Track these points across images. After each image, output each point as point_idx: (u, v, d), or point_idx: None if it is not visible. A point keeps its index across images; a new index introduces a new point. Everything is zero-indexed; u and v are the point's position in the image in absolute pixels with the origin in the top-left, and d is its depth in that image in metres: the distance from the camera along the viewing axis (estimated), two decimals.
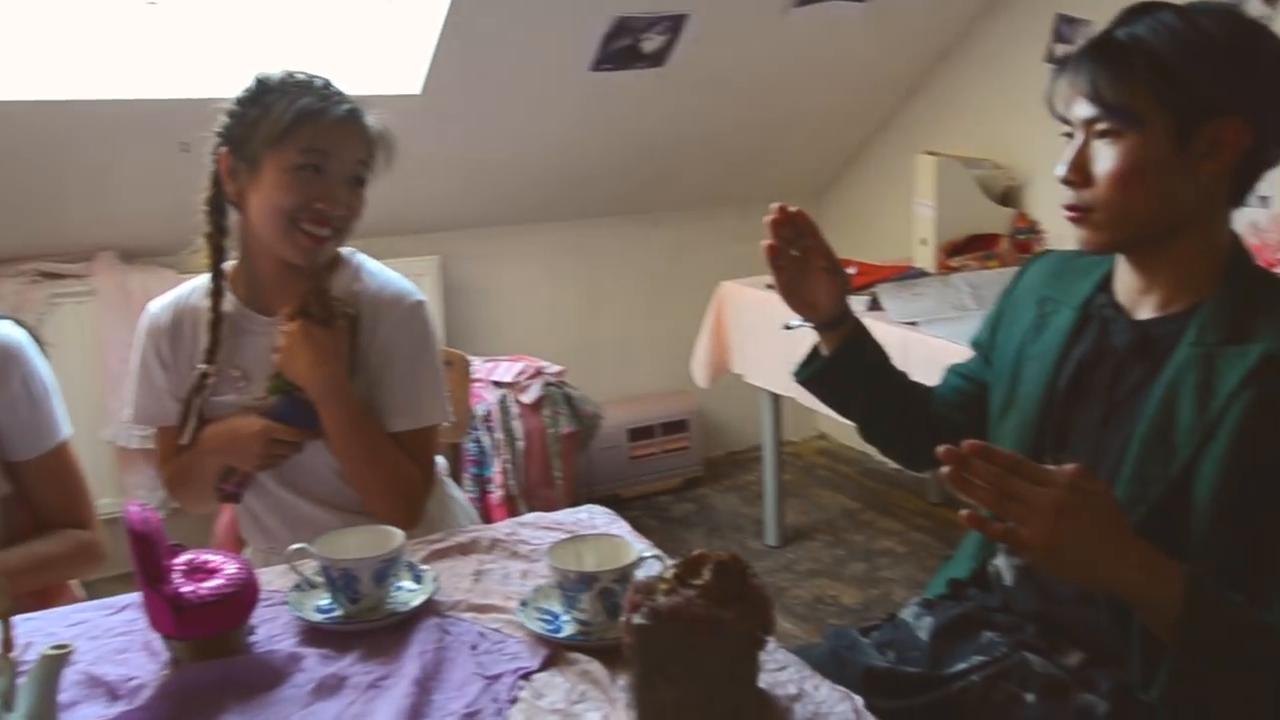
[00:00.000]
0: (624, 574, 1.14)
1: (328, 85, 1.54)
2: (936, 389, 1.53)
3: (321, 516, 1.57)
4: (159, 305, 1.63)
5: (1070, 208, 1.19)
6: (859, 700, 1.01)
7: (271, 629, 1.20)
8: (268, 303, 1.58)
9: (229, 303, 1.59)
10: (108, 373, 2.94)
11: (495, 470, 3.02)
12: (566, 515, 1.50)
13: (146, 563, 1.09)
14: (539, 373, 3.16)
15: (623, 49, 3.03)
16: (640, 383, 3.86)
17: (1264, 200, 2.57)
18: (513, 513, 2.95)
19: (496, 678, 1.08)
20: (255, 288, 1.59)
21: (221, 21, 2.80)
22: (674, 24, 3.00)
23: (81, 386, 2.80)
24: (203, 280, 1.60)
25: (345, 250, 1.63)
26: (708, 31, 3.06)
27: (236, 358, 1.58)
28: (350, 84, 1.60)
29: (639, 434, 3.69)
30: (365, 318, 1.56)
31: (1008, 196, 3.23)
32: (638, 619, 0.96)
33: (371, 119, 1.56)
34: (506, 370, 3.11)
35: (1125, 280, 1.23)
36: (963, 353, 1.58)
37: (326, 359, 1.48)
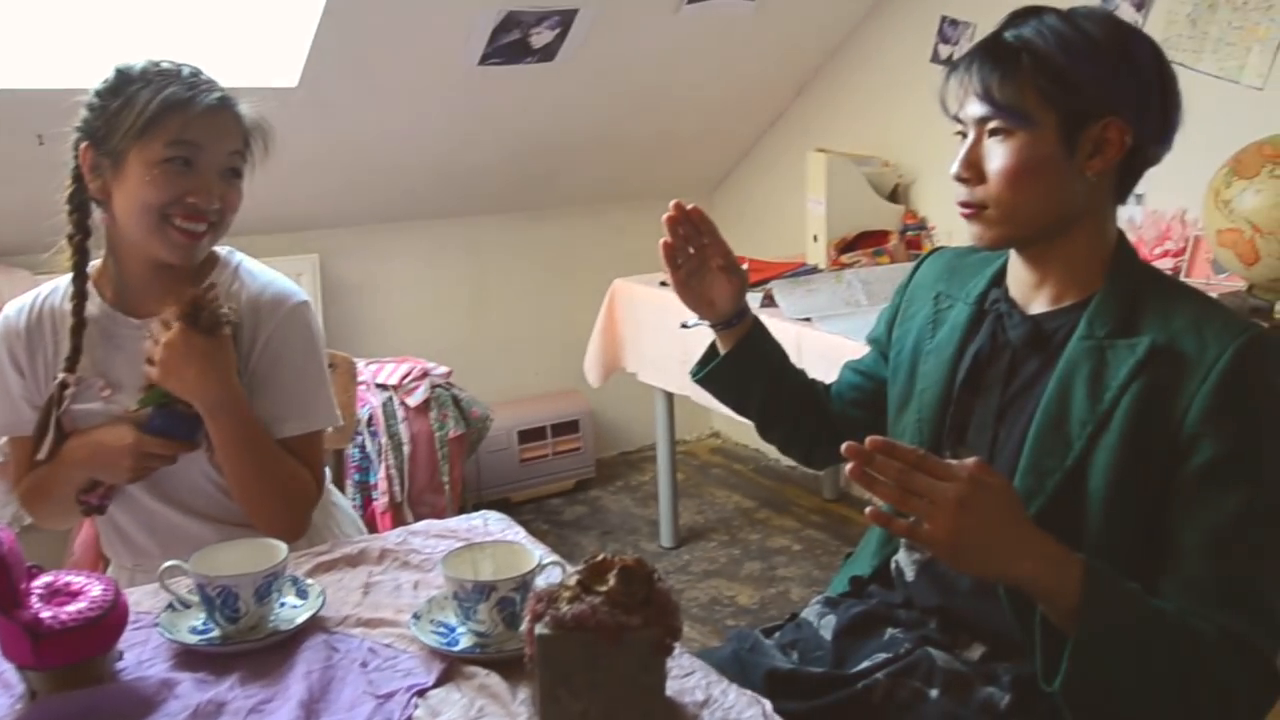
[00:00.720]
0: (523, 582, 1.11)
1: (196, 73, 1.46)
2: (833, 386, 1.54)
3: (195, 529, 1.49)
4: (14, 307, 1.52)
5: (964, 204, 1.21)
6: (768, 704, 1.00)
7: (141, 653, 1.12)
8: (137, 305, 1.49)
9: (94, 305, 1.49)
10: None
11: (380, 476, 2.94)
12: (460, 522, 1.46)
13: (2, 588, 1.01)
14: (425, 374, 3.08)
15: (512, 43, 2.99)
16: (530, 383, 3.81)
17: (1139, 198, 2.67)
18: (399, 520, 2.87)
19: (389, 696, 1.03)
20: (123, 289, 1.50)
21: (83, 8, 2.66)
22: (565, 19, 2.97)
23: None
24: (64, 281, 1.51)
25: (223, 250, 1.55)
26: (599, 27, 3.04)
27: (102, 364, 1.49)
28: (223, 76, 1.52)
29: (529, 435, 3.64)
30: (247, 320, 1.48)
31: (896, 193, 3.29)
32: (540, 629, 0.93)
33: (246, 107, 1.48)
34: (391, 372, 3.02)
35: (1018, 275, 1.25)
36: (857, 349, 1.59)
37: (216, 369, 1.40)
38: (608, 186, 3.83)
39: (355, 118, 3.04)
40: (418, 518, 2.81)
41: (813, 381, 1.54)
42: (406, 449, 2.98)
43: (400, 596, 1.25)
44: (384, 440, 2.93)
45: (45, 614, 1.02)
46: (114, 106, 1.41)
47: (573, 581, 0.96)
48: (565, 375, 3.69)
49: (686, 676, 1.04)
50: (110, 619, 1.05)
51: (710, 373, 1.49)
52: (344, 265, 3.43)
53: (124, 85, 1.42)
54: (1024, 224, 1.18)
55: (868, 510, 1.04)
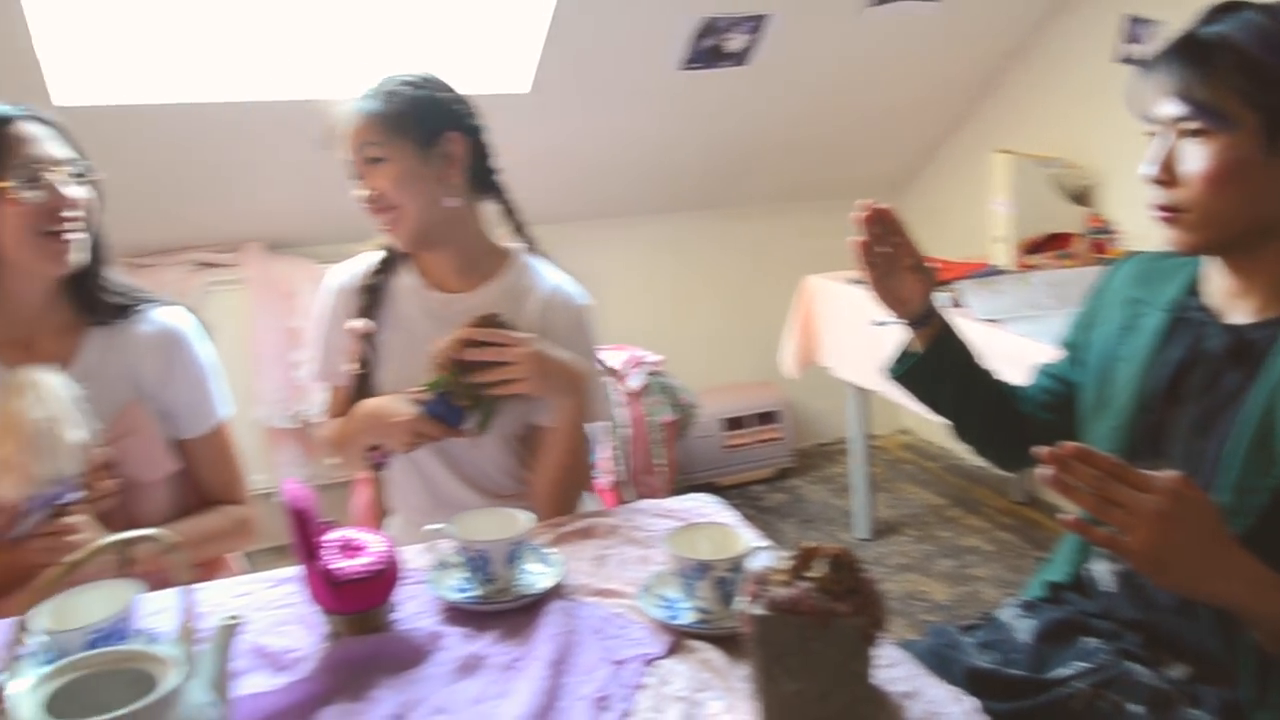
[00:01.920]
0: (737, 563, 1.14)
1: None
2: (1026, 389, 1.49)
3: (468, 499, 1.60)
4: (344, 270, 1.68)
5: (1161, 208, 1.13)
6: (974, 702, 0.99)
7: (414, 607, 1.22)
8: (445, 282, 1.63)
9: (410, 279, 1.63)
10: (256, 356, 3.04)
11: (603, 456, 3.05)
12: (677, 503, 1.51)
13: (305, 539, 1.13)
14: (640, 362, 3.17)
15: (709, 48, 3.04)
16: (732, 373, 3.85)
17: None
18: (620, 499, 2.97)
19: (623, 663, 1.09)
20: (430, 269, 1.63)
21: (342, 26, 2.85)
22: (756, 24, 3.00)
23: (231, 369, 2.90)
24: (379, 255, 1.66)
25: (515, 246, 1.65)
26: (787, 30, 3.05)
27: (410, 331, 1.61)
28: (462, 84, 1.62)
29: (733, 424, 3.68)
30: (536, 320, 1.57)
31: (1081, 196, 3.13)
32: (757, 609, 0.96)
33: (383, 99, 1.55)
34: (612, 359, 3.12)
35: (1217, 283, 1.18)
36: (1044, 351, 1.54)
37: (569, 360, 1.51)
38: (795, 186, 3.83)
39: (575, 121, 3.16)
40: (637, 497, 2.91)
41: (1004, 382, 1.48)
42: (626, 432, 3.07)
43: (628, 569, 1.31)
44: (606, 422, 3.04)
45: (338, 564, 1.14)
46: None
47: (784, 566, 0.99)
48: (765, 367, 3.70)
49: (891, 667, 1.05)
50: (388, 573, 1.16)
51: (906, 371, 1.47)
52: (563, 257, 3.54)
53: None
54: (1223, 229, 1.10)
55: (1064, 517, 1.00)
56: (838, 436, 3.84)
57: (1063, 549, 1.37)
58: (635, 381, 3.13)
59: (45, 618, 1.06)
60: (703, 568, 1.14)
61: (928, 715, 0.98)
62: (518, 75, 2.94)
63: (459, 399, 1.49)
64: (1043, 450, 0.97)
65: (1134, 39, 2.96)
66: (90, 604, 1.10)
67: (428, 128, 1.54)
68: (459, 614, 1.21)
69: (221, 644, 0.93)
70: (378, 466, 1.65)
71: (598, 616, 1.19)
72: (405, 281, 1.64)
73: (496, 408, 1.52)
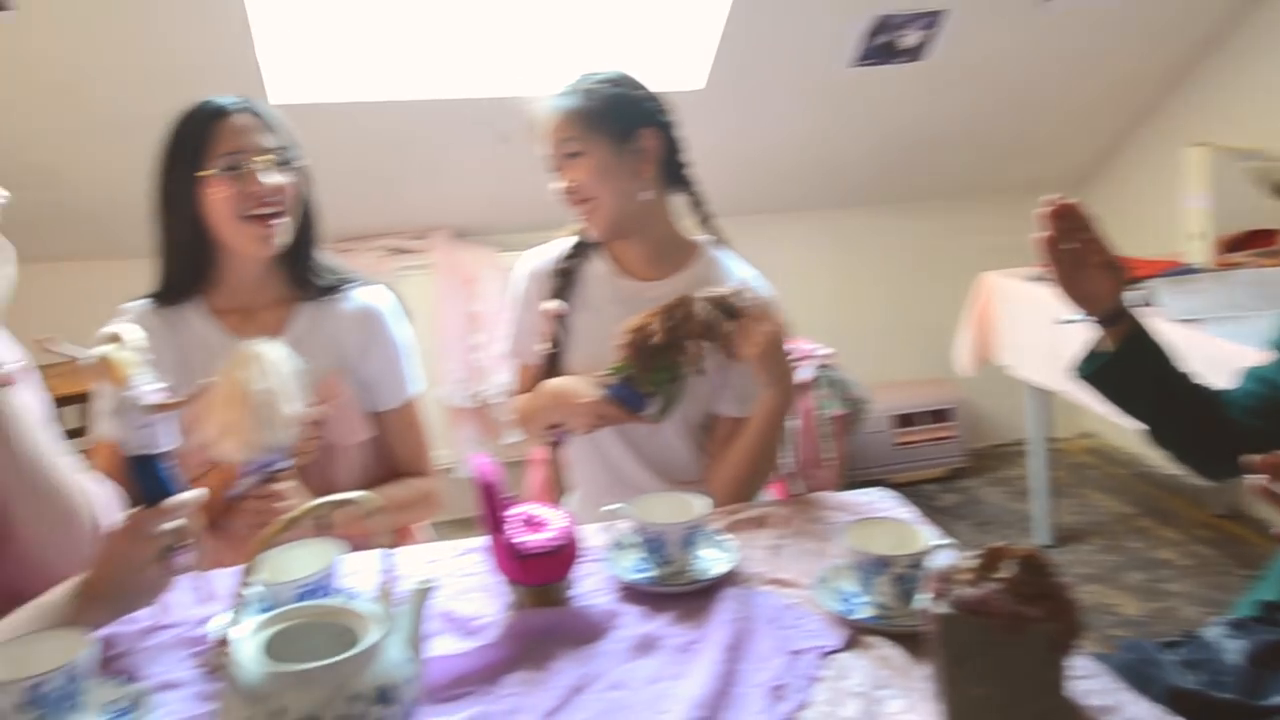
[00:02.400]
0: (917, 560, 1.12)
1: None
2: (1231, 393, 1.40)
3: (647, 482, 1.63)
4: (538, 253, 1.74)
5: None
6: None
7: (592, 584, 1.25)
8: (635, 270, 1.66)
9: (603, 265, 1.67)
10: (440, 338, 3.17)
11: None
12: (853, 496, 1.49)
13: (492, 512, 1.17)
14: (810, 355, 3.12)
15: (882, 45, 2.98)
16: (902, 369, 3.75)
17: None
18: (789, 490, 2.94)
19: (799, 653, 1.08)
20: (622, 257, 1.68)
21: (524, 26, 2.92)
22: (931, 20, 2.92)
23: (418, 351, 3.06)
24: (572, 241, 1.71)
25: (704, 239, 1.67)
26: (964, 26, 2.96)
27: (599, 314, 1.65)
28: (641, 80, 1.64)
29: (903, 420, 3.59)
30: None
31: None
32: (941, 608, 0.93)
33: (580, 95, 1.59)
34: None
35: None
36: (1247, 354, 1.43)
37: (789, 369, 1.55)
38: (968, 182, 3.70)
39: (748, 117, 3.15)
40: (804, 490, 2.87)
41: (1205, 386, 1.39)
42: (796, 424, 3.04)
43: (803, 561, 1.29)
44: None
45: (522, 538, 1.17)
46: None
47: (970, 565, 0.96)
48: (936, 364, 3.59)
49: (1087, 679, 0.99)
50: (569, 549, 1.19)
51: (1096, 371, 1.40)
52: (737, 250, 3.55)
53: None
54: None
55: (1278, 531, 0.94)
56: (1015, 438, 3.69)
57: (1277, 566, 1.28)
58: (805, 374, 3.09)
59: (263, 569, 1.13)
60: (882, 563, 1.12)
61: None
62: (693, 72, 2.96)
63: (643, 385, 1.50)
64: (1254, 458, 0.91)
65: None
66: (299, 560, 1.18)
67: (624, 124, 1.57)
68: (635, 594, 1.22)
69: (417, 606, 0.97)
70: (556, 444, 1.70)
71: (773, 605, 1.18)
72: (597, 268, 1.68)
73: (679, 396, 1.53)
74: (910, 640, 1.08)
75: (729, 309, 1.48)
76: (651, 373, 1.49)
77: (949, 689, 0.94)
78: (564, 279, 1.68)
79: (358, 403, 1.60)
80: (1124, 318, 1.36)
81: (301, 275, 1.60)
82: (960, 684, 0.93)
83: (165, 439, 1.12)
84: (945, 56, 3.06)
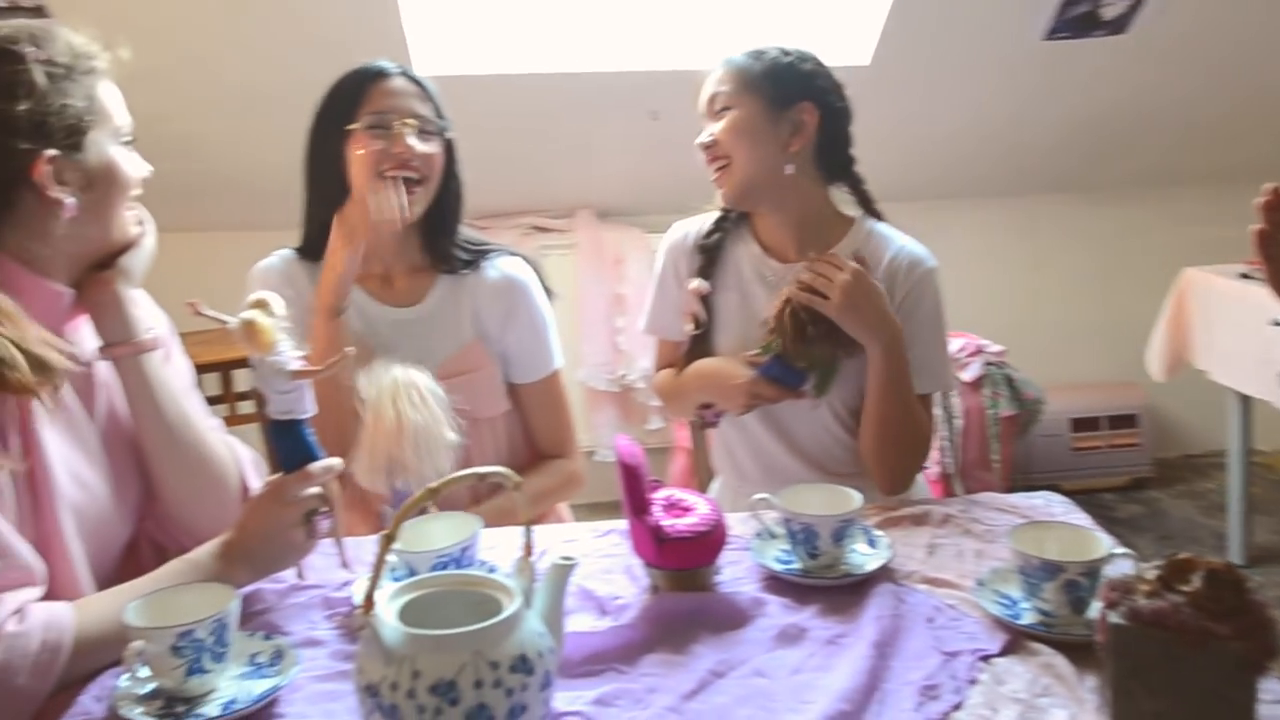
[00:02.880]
0: (1092, 568, 1.09)
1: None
2: None
3: (796, 470, 1.63)
4: (681, 229, 1.76)
5: None
6: None
7: (735, 572, 1.27)
8: (782, 253, 1.66)
9: (746, 245, 1.69)
10: (582, 320, 3.24)
11: (932, 447, 2.97)
12: (1021, 499, 1.45)
13: (634, 494, 1.20)
14: (979, 350, 3.05)
15: (1081, 16, 2.85)
16: (1083, 370, 3.62)
17: None
18: (947, 491, 2.89)
19: (954, 655, 1.07)
20: (771, 237, 1.68)
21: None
22: None
23: (559, 331, 3.12)
24: (717, 215, 1.72)
25: (856, 213, 1.67)
26: None
27: (744, 295, 1.67)
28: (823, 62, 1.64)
29: (1083, 424, 3.47)
30: (885, 279, 1.58)
31: None
32: (1115, 618, 0.91)
33: (744, 57, 1.61)
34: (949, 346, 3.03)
35: None
36: None
37: (889, 309, 1.52)
38: (1175, 169, 3.51)
39: (919, 95, 3.07)
40: (966, 492, 2.82)
41: None
42: (958, 423, 2.98)
43: (963, 562, 1.28)
44: (937, 411, 2.96)
45: (666, 522, 1.20)
46: None
47: (1151, 576, 0.93)
48: (1122, 366, 3.45)
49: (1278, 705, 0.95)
50: (715, 535, 1.20)
51: None
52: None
53: None
54: None
55: None
56: (1209, 449, 3.52)
57: None
58: (973, 371, 3.03)
59: (402, 539, 1.20)
60: (1053, 569, 1.09)
61: None
62: (857, 47, 2.91)
63: (796, 360, 1.51)
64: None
65: None
66: (439, 531, 1.24)
67: (783, 91, 1.58)
68: (779, 584, 1.23)
69: (557, 581, 1.00)
70: (706, 425, 1.71)
71: (928, 605, 1.17)
72: (743, 247, 1.68)
73: (835, 370, 1.53)
74: (1077, 650, 1.06)
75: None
76: (803, 345, 1.49)
77: (1120, 702, 0.91)
78: (708, 256, 1.69)
79: (498, 375, 1.65)
80: None
81: (442, 247, 1.65)
82: (1132, 697, 0.91)
83: (307, 405, 1.19)
84: (1151, 29, 2.92)
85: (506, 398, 1.68)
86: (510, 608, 0.94)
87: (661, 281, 1.76)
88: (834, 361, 1.53)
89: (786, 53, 1.61)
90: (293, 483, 1.19)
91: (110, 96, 1.22)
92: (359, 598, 1.21)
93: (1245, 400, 2.90)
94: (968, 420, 3.01)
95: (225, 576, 1.16)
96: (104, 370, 1.27)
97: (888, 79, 2.95)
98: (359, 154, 1.55)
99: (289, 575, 1.28)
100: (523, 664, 0.91)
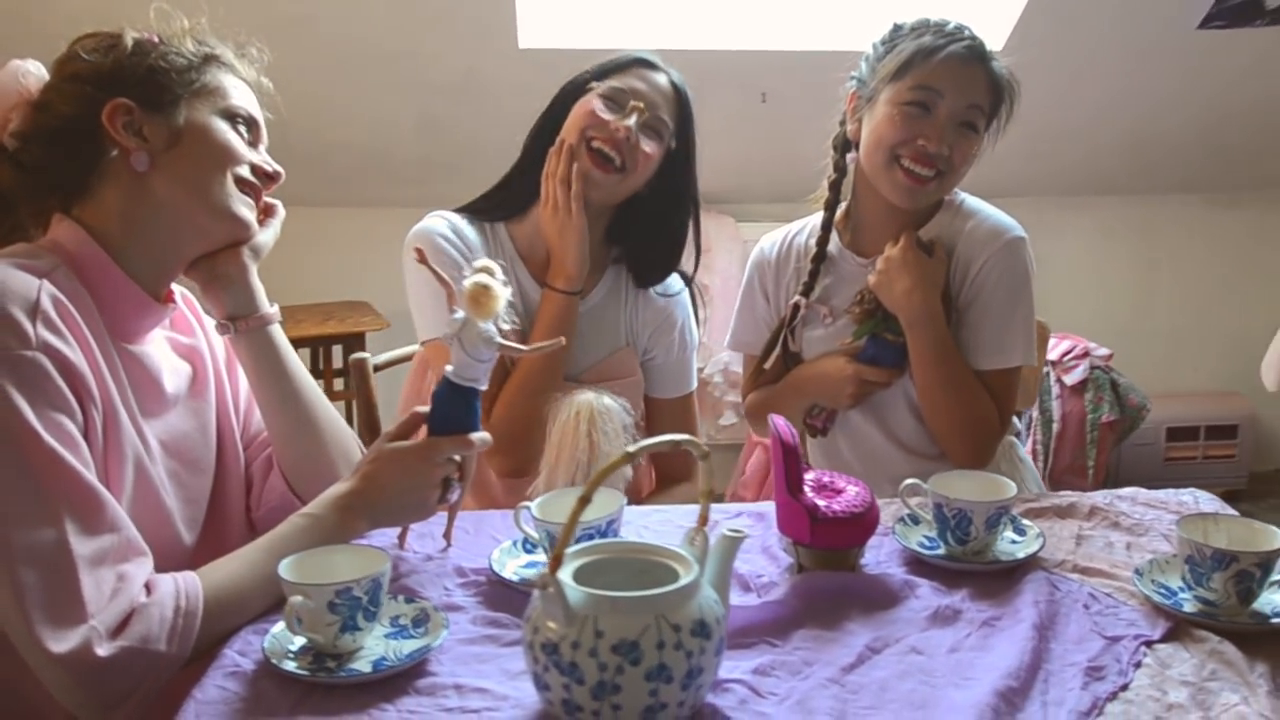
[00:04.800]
0: (1267, 559, 1.10)
1: (959, 28, 1.58)
2: None
3: (893, 456, 1.65)
4: (769, 241, 1.80)
5: None
6: None
7: (878, 555, 1.29)
8: (867, 246, 1.68)
9: (832, 245, 1.70)
10: None
11: (1024, 449, 2.96)
12: (1169, 495, 1.46)
13: (791, 473, 1.22)
14: (1086, 354, 3.05)
15: (1242, 4, 2.80)
16: (1187, 379, 3.59)
17: None
18: None
19: (1116, 639, 1.09)
20: (858, 231, 1.69)
21: None
22: None
23: None
24: (812, 221, 1.75)
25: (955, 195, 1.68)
26: None
27: (829, 294, 1.70)
28: None
29: (1179, 434, 3.45)
30: (962, 250, 1.60)
31: None
32: None
33: (998, 63, 1.58)
34: (1052, 347, 3.03)
35: None
36: None
37: (923, 285, 1.54)
38: None
39: (1052, 85, 3.03)
40: None
41: None
42: (1055, 426, 2.98)
43: (1113, 553, 1.29)
44: (1034, 414, 2.96)
45: (820, 503, 1.22)
46: (881, 54, 1.59)
47: None
48: (1228, 375, 3.42)
49: None
50: (869, 517, 1.23)
51: None
52: None
53: (895, 36, 1.60)
54: None
55: None
56: None
57: None
58: (1078, 374, 3.02)
59: (543, 512, 1.24)
60: (1226, 558, 1.10)
61: None
62: (990, 32, 2.88)
63: (892, 336, 1.54)
64: None
65: None
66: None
67: (1000, 113, 1.62)
68: (925, 568, 1.26)
69: (727, 553, 1.03)
70: (817, 433, 1.72)
71: (1083, 592, 1.19)
72: (830, 247, 1.71)
73: None
74: (1243, 639, 1.07)
75: None
76: (894, 321, 1.53)
77: None
78: (810, 266, 1.70)
79: (642, 385, 1.70)
80: None
81: (644, 264, 1.70)
82: None
83: (486, 379, 1.24)
84: None
85: (637, 408, 1.67)
86: (690, 574, 0.97)
87: (748, 298, 1.79)
88: None
89: (996, 56, 1.62)
90: (448, 445, 1.24)
91: (232, 83, 1.28)
92: (499, 566, 1.25)
93: None
94: (1065, 424, 3.00)
95: (345, 527, 1.22)
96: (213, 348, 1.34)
97: (1023, 65, 2.93)
98: (579, 109, 1.60)
99: (421, 544, 1.33)
100: (701, 628, 0.94)
